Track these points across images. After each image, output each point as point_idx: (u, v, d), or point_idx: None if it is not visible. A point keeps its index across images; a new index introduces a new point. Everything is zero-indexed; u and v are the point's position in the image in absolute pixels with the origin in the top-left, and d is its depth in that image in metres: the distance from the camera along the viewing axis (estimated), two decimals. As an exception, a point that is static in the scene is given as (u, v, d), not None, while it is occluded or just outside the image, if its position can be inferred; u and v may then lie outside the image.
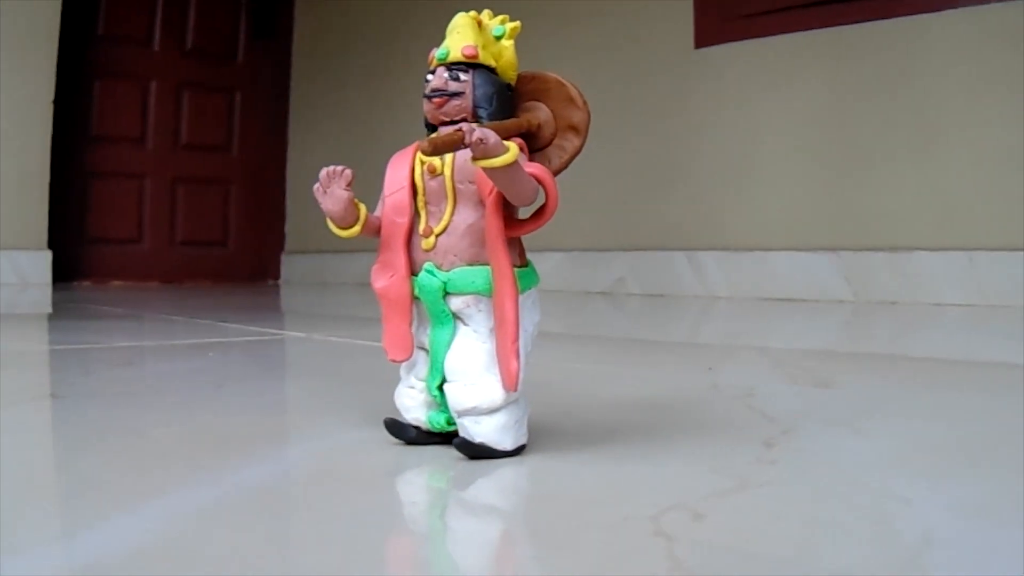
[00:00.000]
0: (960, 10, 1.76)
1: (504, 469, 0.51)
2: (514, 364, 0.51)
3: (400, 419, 0.56)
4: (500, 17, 0.58)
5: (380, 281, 0.55)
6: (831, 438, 0.60)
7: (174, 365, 0.92)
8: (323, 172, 0.53)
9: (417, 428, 0.56)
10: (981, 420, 0.67)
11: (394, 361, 0.55)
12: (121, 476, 0.49)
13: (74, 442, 0.57)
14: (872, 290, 1.88)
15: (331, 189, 0.53)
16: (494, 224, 0.51)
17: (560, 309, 1.83)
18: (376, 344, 1.12)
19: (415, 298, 0.55)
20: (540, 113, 0.57)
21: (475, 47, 0.55)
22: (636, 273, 2.20)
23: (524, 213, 0.54)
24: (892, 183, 1.87)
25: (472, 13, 0.58)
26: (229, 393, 0.77)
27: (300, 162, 3.19)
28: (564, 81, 0.57)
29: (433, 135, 0.54)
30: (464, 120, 0.55)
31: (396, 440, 0.57)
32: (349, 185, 0.53)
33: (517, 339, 0.52)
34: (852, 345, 1.26)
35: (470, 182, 0.53)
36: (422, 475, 0.52)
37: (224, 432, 0.61)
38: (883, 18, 1.85)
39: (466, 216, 0.54)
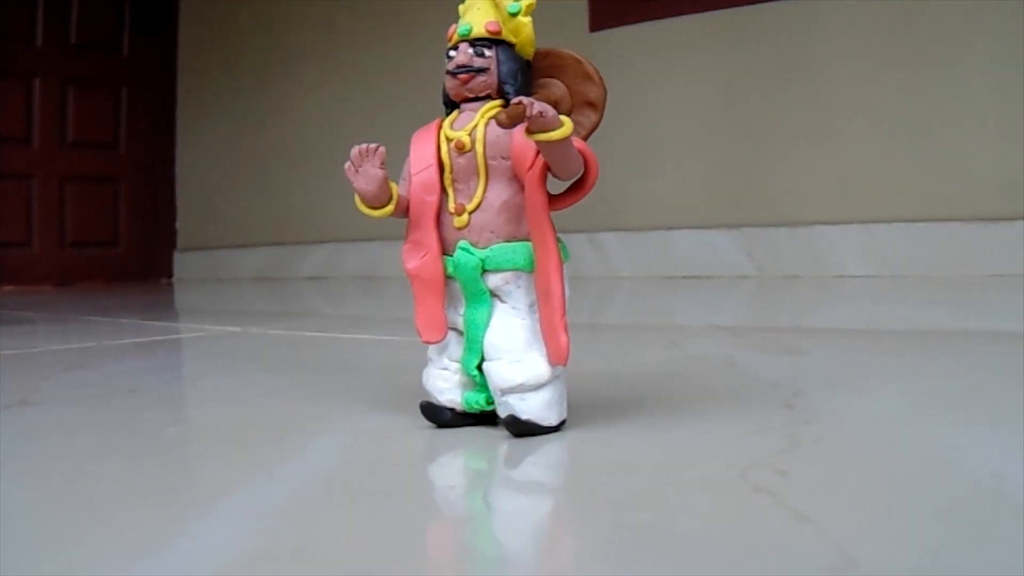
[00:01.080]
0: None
1: (550, 445, 0.52)
2: (564, 338, 0.52)
3: (434, 401, 0.56)
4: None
5: (412, 261, 0.54)
6: (841, 398, 0.62)
7: (128, 364, 0.89)
8: (354, 150, 0.53)
9: (452, 410, 0.56)
10: (959, 378, 0.71)
11: (428, 343, 0.55)
12: (175, 478, 0.48)
13: (93, 448, 0.55)
14: (775, 265, 1.95)
15: (363, 168, 0.52)
16: (539, 199, 0.52)
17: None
18: (322, 335, 1.12)
19: (448, 277, 0.55)
20: (556, 89, 0.58)
21: (498, 23, 0.55)
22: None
23: (554, 188, 0.55)
24: (791, 160, 1.94)
25: (495, -13, 0.58)
26: (213, 387, 0.76)
27: (189, 157, 3.10)
28: (580, 58, 0.58)
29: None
30: (488, 96, 0.55)
31: (428, 423, 0.56)
32: (383, 163, 0.53)
33: (565, 313, 0.52)
34: (783, 318, 1.30)
35: (503, 158, 0.53)
36: (473, 456, 0.52)
37: (243, 425, 0.60)
38: (774, 0, 1.92)
39: (500, 192, 0.54)
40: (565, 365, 0.53)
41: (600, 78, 0.57)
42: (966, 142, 1.73)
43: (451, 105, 0.57)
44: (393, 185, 0.54)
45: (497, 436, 0.54)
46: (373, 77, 2.55)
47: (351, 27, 2.60)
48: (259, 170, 2.84)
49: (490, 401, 0.54)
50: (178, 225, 3.16)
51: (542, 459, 0.50)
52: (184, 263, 3.13)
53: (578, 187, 0.53)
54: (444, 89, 0.57)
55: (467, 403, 0.55)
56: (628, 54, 2.11)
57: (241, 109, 2.91)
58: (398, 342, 1.01)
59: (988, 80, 1.72)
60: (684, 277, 2.04)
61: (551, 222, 0.52)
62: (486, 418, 0.56)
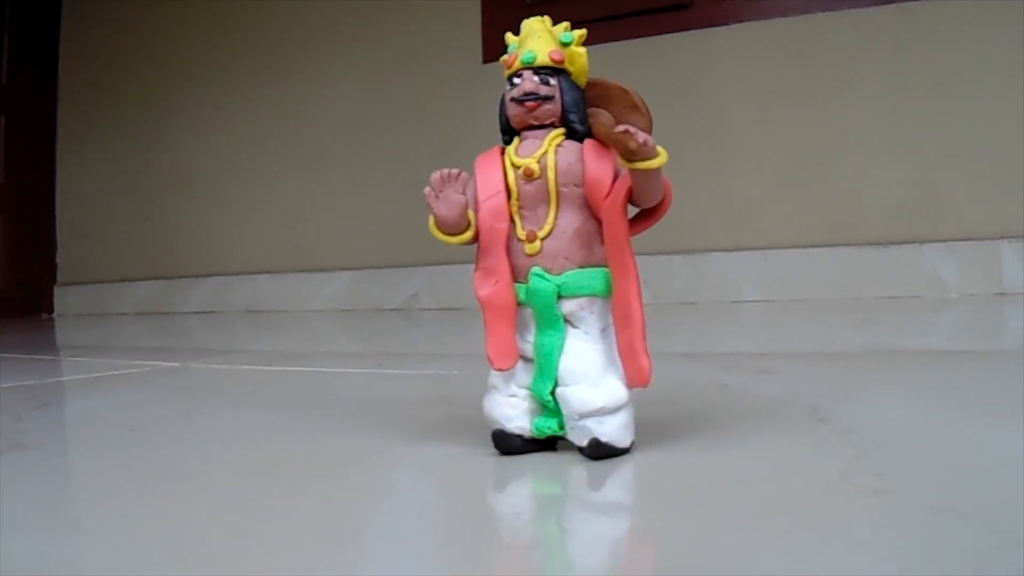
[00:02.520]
0: (745, 24, 1.93)
1: (624, 466, 0.53)
2: (646, 361, 0.54)
3: (503, 429, 0.56)
4: (564, 24, 0.60)
5: (484, 288, 0.55)
6: (855, 408, 0.66)
7: (93, 402, 0.86)
8: (436, 175, 0.53)
9: (520, 436, 0.56)
10: (943, 390, 0.76)
11: (500, 370, 0.56)
12: (289, 518, 0.47)
13: (161, 496, 0.54)
14: (672, 292, 2.01)
15: (445, 193, 0.53)
16: (621, 225, 0.54)
17: (374, 326, 1.82)
18: (273, 369, 1.10)
19: (518, 304, 0.56)
20: (602, 118, 0.59)
21: (562, 52, 0.57)
22: (430, 287, 2.23)
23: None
24: (686, 189, 2.00)
25: (545, 18, 0.59)
26: (218, 424, 0.74)
27: (70, 188, 2.97)
28: (627, 88, 0.59)
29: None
30: (552, 125, 0.57)
31: (490, 451, 0.57)
32: (464, 189, 0.54)
33: (645, 336, 0.54)
34: (715, 343, 1.35)
35: (575, 185, 0.55)
36: (548, 481, 0.52)
37: (290, 460, 0.59)
38: (675, 31, 1.99)
39: (571, 219, 0.55)
40: (646, 387, 0.54)
41: (647, 108, 0.59)
42: (857, 169, 1.83)
43: (509, 132, 0.58)
44: (470, 211, 0.55)
45: (565, 461, 0.55)
46: (259, 104, 2.51)
47: (235, 54, 2.56)
48: (143, 201, 2.75)
49: (561, 426, 0.55)
50: (58, 258, 3.02)
51: (623, 480, 0.52)
52: (65, 298, 3.00)
53: (652, 213, 0.55)
54: (503, 115, 0.58)
55: (537, 429, 0.56)
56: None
57: (124, 138, 2.82)
58: (367, 374, 1.01)
59: (877, 109, 1.83)
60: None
61: (631, 248, 0.54)
62: (547, 444, 0.57)
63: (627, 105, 0.59)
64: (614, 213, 0.53)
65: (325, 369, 1.09)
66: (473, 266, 0.57)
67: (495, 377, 0.57)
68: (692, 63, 1.99)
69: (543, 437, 0.56)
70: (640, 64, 2.04)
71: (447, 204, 0.53)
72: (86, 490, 0.54)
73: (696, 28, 1.97)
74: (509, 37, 0.60)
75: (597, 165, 0.55)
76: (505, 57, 0.59)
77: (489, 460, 0.56)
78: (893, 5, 1.78)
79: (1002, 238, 1.69)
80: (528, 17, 0.60)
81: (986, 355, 1.00)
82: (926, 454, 0.52)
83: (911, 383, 0.81)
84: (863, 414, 0.65)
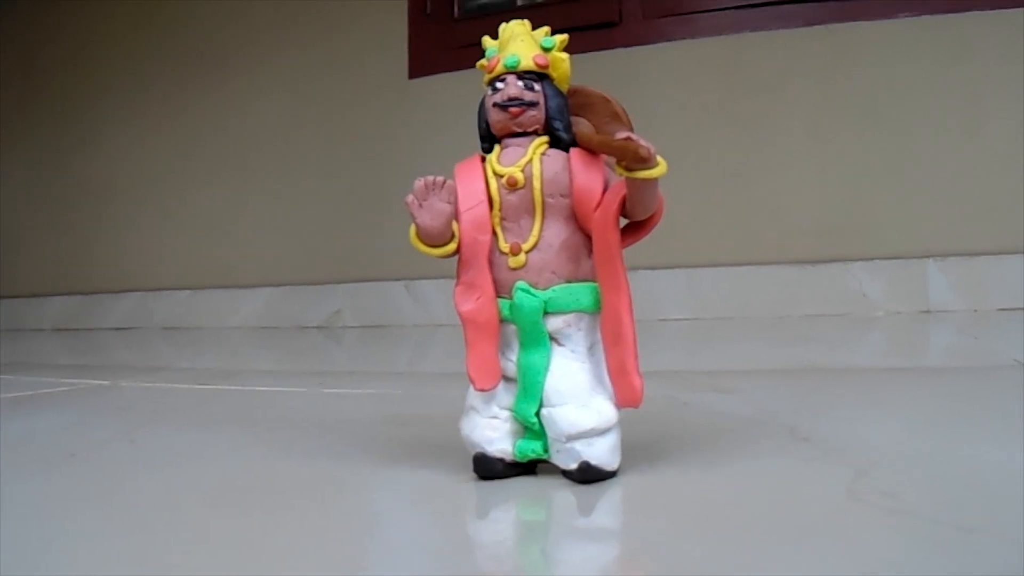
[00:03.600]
0: (674, 42, 1.93)
1: (612, 490, 0.51)
2: (637, 380, 0.51)
3: (484, 452, 0.53)
4: (544, 28, 0.57)
5: (466, 304, 0.52)
6: (832, 425, 0.65)
7: (23, 423, 0.81)
8: (419, 183, 0.50)
9: (501, 460, 0.53)
10: (911, 405, 0.75)
11: (482, 390, 0.52)
12: (256, 549, 0.44)
13: (95, 525, 0.49)
14: (597, 310, 1.99)
15: (429, 202, 0.50)
16: (613, 237, 0.51)
17: (300, 343, 1.77)
18: (209, 387, 1.05)
19: (502, 320, 0.53)
20: (583, 127, 0.57)
21: (546, 56, 0.54)
22: (353, 305, 2.18)
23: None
24: (611, 206, 2.00)
25: (525, 22, 0.57)
26: (169, 446, 0.69)
27: None
28: (609, 97, 0.57)
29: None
30: (536, 132, 0.54)
31: (469, 476, 0.54)
32: (451, 198, 0.50)
33: (636, 355, 0.51)
34: (654, 361, 1.33)
35: (562, 196, 0.52)
36: (537, 507, 0.49)
37: (257, 486, 0.55)
38: (601, 49, 1.98)
39: (557, 231, 0.52)
40: (637, 408, 0.52)
41: (627, 118, 0.57)
42: (784, 188, 1.84)
43: (489, 140, 0.55)
44: (455, 223, 0.51)
45: (549, 485, 0.52)
46: (180, 118, 2.44)
47: (158, 67, 2.48)
48: (60, 214, 2.64)
49: (546, 449, 0.53)
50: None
51: (614, 504, 0.49)
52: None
53: (642, 225, 0.53)
54: (483, 121, 0.55)
55: (520, 452, 0.53)
56: (445, 101, 2.12)
57: (41, 149, 2.70)
58: (308, 393, 0.97)
59: (805, 129, 1.84)
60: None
61: (623, 262, 0.51)
62: (528, 468, 0.54)
63: (608, 114, 0.57)
64: (606, 225, 0.51)
65: (263, 388, 1.05)
66: (454, 281, 0.54)
67: (474, 398, 0.54)
68: (620, 81, 1.98)
69: (525, 461, 0.53)
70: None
71: (431, 214, 0.50)
72: (29, 524, 0.49)
73: (625, 46, 1.97)
74: (487, 41, 0.57)
75: (585, 175, 0.52)
76: (484, 61, 0.56)
77: (468, 485, 0.53)
78: (821, 26, 1.80)
79: (928, 256, 1.71)
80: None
81: (936, 371, 1.00)
82: (925, 471, 0.51)
83: (874, 400, 0.80)
84: (844, 432, 0.63)
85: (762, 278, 1.84)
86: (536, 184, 0.52)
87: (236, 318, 2.28)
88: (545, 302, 0.51)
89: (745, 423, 0.69)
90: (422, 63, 2.11)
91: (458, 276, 0.52)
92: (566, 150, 0.54)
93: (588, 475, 0.51)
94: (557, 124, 0.54)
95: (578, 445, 0.51)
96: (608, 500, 0.49)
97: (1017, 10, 1.67)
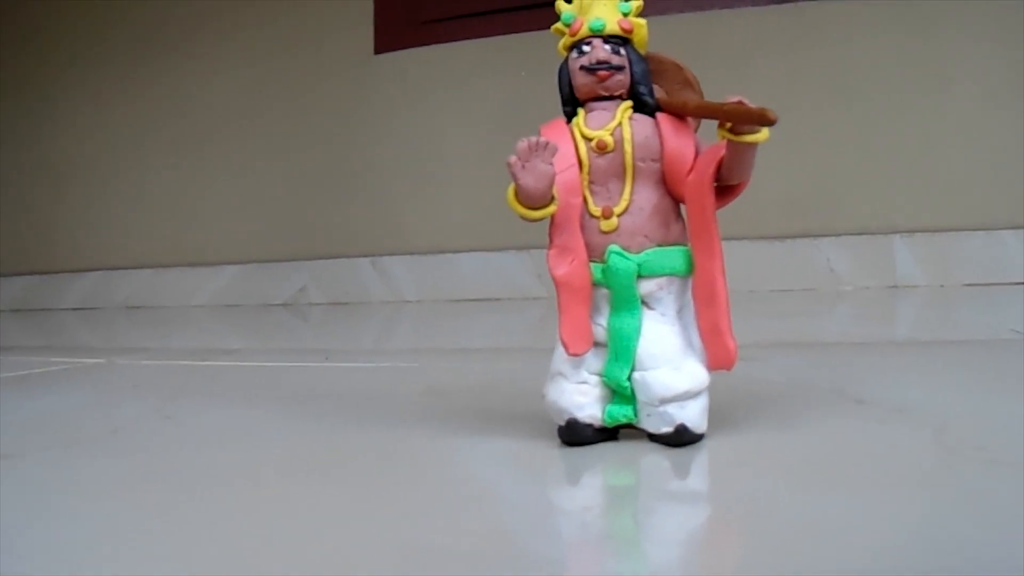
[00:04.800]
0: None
1: (702, 453, 0.51)
2: (732, 343, 0.51)
3: (576, 418, 0.53)
4: (618, -9, 0.57)
5: (560, 268, 0.52)
6: (880, 389, 0.66)
7: (43, 402, 0.79)
8: (522, 143, 0.49)
9: (591, 426, 0.53)
10: (939, 375, 0.76)
11: (575, 355, 0.52)
12: (361, 520, 0.43)
13: (180, 500, 0.49)
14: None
15: (532, 163, 0.49)
16: (708, 201, 0.51)
17: (274, 320, 1.74)
18: (215, 364, 1.03)
19: (593, 284, 0.52)
20: (657, 94, 0.57)
21: (630, 21, 0.54)
22: (319, 282, 2.16)
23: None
24: (579, 183, 2.00)
25: (604, -15, 0.56)
26: (206, 422, 0.68)
27: None
28: (681, 64, 0.57)
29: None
30: (621, 97, 0.54)
31: (549, 442, 0.54)
32: (551, 159, 0.50)
33: (730, 317, 0.52)
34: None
35: (652, 160, 0.52)
36: (633, 472, 0.50)
37: (339, 458, 0.55)
38: (566, 24, 1.98)
39: (648, 195, 0.52)
40: (730, 370, 0.52)
41: (699, 85, 0.57)
42: (750, 165, 1.86)
43: (573, 103, 0.55)
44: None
45: (638, 449, 0.52)
46: (141, 95, 2.38)
47: (117, 43, 2.41)
48: (16, 193, 2.56)
49: (635, 413, 0.52)
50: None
51: (713, 466, 0.49)
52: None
53: (732, 190, 0.53)
54: (565, 85, 0.54)
55: (610, 416, 0.53)
56: (413, 76, 2.10)
57: None
58: (323, 368, 0.95)
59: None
60: (472, 300, 2.05)
61: (717, 225, 0.51)
62: (610, 433, 0.54)
63: (680, 80, 0.57)
64: (701, 190, 0.51)
65: (268, 364, 1.03)
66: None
67: (562, 363, 0.53)
68: (588, 57, 1.98)
69: (614, 425, 0.53)
70: (535, 58, 2.02)
71: (535, 175, 0.49)
72: (110, 503, 0.47)
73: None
74: (561, 5, 0.56)
75: (677, 140, 0.52)
76: (560, 25, 0.56)
77: (554, 451, 0.53)
78: (788, 4, 1.82)
79: (895, 232, 1.74)
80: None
81: (934, 344, 1.02)
82: (997, 429, 0.52)
83: (896, 367, 0.81)
84: (894, 395, 0.64)
85: (731, 253, 1.84)
86: (627, 148, 0.52)
87: (201, 296, 2.24)
88: (639, 265, 0.51)
89: (790, 388, 0.69)
90: (388, 38, 2.09)
91: (551, 240, 0.52)
92: (650, 114, 0.53)
93: (683, 438, 0.51)
94: (642, 89, 0.53)
95: (671, 408, 0.51)
96: (700, 462, 0.50)
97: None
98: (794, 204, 1.82)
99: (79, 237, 2.45)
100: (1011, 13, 1.70)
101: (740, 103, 0.47)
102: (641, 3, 0.56)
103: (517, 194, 0.50)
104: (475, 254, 2.06)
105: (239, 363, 1.03)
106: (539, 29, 1.99)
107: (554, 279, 0.51)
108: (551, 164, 0.49)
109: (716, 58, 1.87)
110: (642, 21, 0.55)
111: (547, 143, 0.49)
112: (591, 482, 0.49)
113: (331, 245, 2.15)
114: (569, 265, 0.51)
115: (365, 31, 2.12)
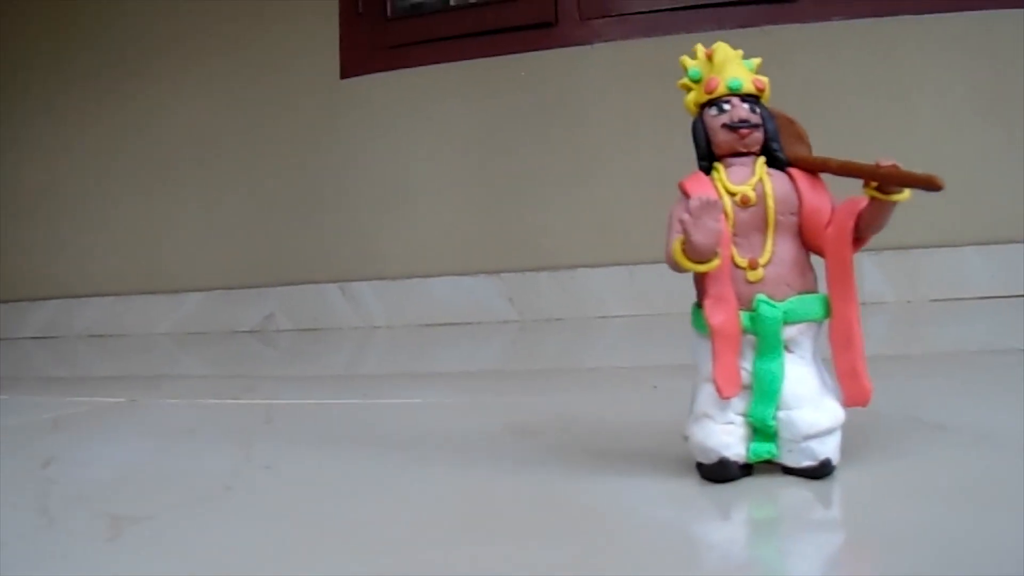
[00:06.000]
0: (611, 43, 1.98)
1: (835, 484, 0.56)
2: (868, 383, 0.56)
3: (721, 458, 0.57)
4: (739, 51, 0.61)
5: (717, 316, 0.55)
6: (944, 411, 0.70)
7: (96, 454, 0.79)
8: (696, 202, 0.53)
9: (736, 464, 0.57)
10: (985, 389, 0.81)
11: (727, 398, 0.56)
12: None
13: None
14: (536, 309, 2.03)
15: (702, 220, 0.53)
16: (848, 253, 0.55)
17: (252, 349, 1.75)
18: (251, 402, 1.04)
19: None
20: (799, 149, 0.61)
21: (763, 80, 0.58)
22: (287, 308, 2.16)
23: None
24: (551, 205, 2.04)
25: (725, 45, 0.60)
26: (310, 471, 0.69)
27: None
28: (792, 119, 0.61)
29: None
30: (756, 154, 0.58)
31: (696, 480, 0.58)
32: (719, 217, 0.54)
33: (865, 358, 0.56)
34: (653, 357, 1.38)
35: (791, 214, 0.57)
36: (771, 505, 0.54)
37: (494, 509, 0.58)
38: (536, 49, 2.02)
39: (788, 247, 0.57)
40: (865, 407, 0.56)
41: (808, 138, 0.61)
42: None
43: (709, 158, 0.59)
44: None
45: (775, 483, 0.57)
46: (105, 120, 2.35)
47: (81, 68, 2.37)
48: None
49: (778, 449, 0.57)
50: None
51: (852, 497, 0.54)
52: None
53: (862, 240, 0.57)
54: (703, 139, 0.58)
55: (755, 454, 0.57)
56: (379, 101, 2.12)
57: None
58: (363, 405, 0.97)
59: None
60: (442, 325, 2.07)
61: (854, 274, 0.56)
62: (748, 469, 0.58)
63: (793, 135, 0.61)
64: (841, 242, 0.55)
65: (313, 401, 1.04)
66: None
67: (708, 405, 0.57)
68: (558, 81, 2.03)
69: (757, 462, 0.57)
70: (505, 82, 2.06)
71: (705, 232, 0.53)
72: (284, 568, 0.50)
73: (562, 46, 2.01)
74: (687, 61, 0.60)
75: (814, 195, 0.56)
76: (688, 80, 0.60)
77: (695, 488, 0.57)
78: (756, 28, 1.88)
79: (871, 250, 1.81)
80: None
81: (936, 356, 1.07)
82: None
83: (934, 385, 0.86)
84: (967, 417, 0.69)
85: (701, 273, 1.91)
86: (770, 203, 0.56)
87: (165, 324, 2.23)
88: (784, 313, 0.55)
89: (865, 415, 0.74)
90: (354, 63, 2.11)
91: (706, 289, 0.55)
92: (781, 169, 0.57)
93: (825, 471, 0.56)
94: (775, 145, 0.58)
95: (813, 443, 0.56)
96: (836, 493, 0.54)
97: (942, 15, 1.80)
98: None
99: (39, 264, 2.41)
100: (971, 33, 1.80)
101: (895, 167, 0.51)
102: (760, 61, 0.60)
103: (685, 249, 0.53)
104: (445, 278, 2.09)
105: (273, 401, 1.05)
106: (506, 54, 2.04)
107: (711, 327, 0.55)
108: (719, 221, 0.53)
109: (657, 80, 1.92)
110: (765, 79, 0.59)
111: (716, 202, 0.53)
112: (742, 517, 0.53)
113: (299, 271, 2.16)
114: (724, 314, 0.55)
115: (331, 55, 2.14)
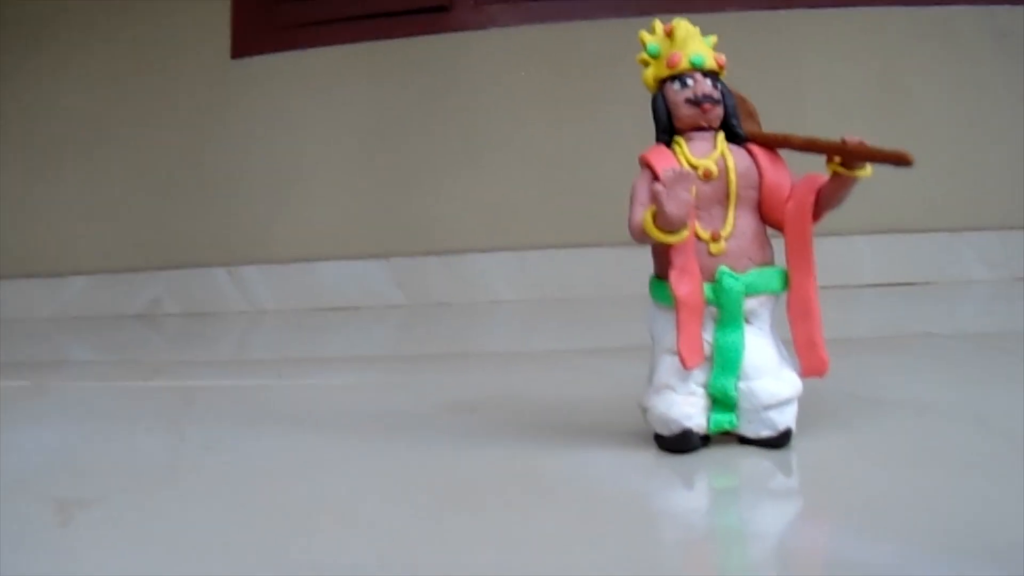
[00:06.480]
0: (504, 29, 1.97)
1: (792, 453, 0.57)
2: (825, 354, 0.56)
3: (682, 429, 0.57)
4: (697, 28, 0.61)
5: (683, 288, 0.55)
6: (894, 389, 0.73)
7: (30, 433, 0.74)
8: (670, 173, 0.53)
9: (697, 434, 0.57)
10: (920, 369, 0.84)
11: (691, 368, 0.56)
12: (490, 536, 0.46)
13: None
14: (425, 293, 2.01)
15: (675, 191, 0.53)
16: (808, 226, 0.56)
17: (145, 333, 1.68)
18: (166, 384, 0.99)
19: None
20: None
21: (723, 57, 0.58)
22: (174, 292, 2.08)
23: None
24: (441, 190, 2.01)
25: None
26: (257, 449, 0.66)
27: None
28: (744, 96, 0.61)
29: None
30: (715, 129, 0.58)
31: (652, 451, 0.58)
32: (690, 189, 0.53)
33: (822, 330, 0.57)
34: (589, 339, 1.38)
35: (751, 188, 0.57)
36: (732, 474, 0.55)
37: (437, 480, 0.56)
38: (430, 33, 1.99)
39: (748, 221, 0.57)
40: (822, 377, 0.57)
41: (758, 117, 0.62)
42: (608, 172, 1.91)
43: (668, 133, 0.58)
44: None
45: (735, 453, 0.57)
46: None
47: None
48: None
49: (737, 419, 0.57)
50: None
51: (816, 466, 0.55)
52: None
53: (818, 215, 0.57)
54: (664, 113, 0.58)
55: (715, 424, 0.57)
56: (271, 82, 2.06)
57: None
58: (274, 386, 0.94)
59: (630, 115, 1.91)
60: (330, 309, 2.03)
61: (812, 248, 0.56)
62: (705, 440, 0.58)
63: (744, 112, 0.61)
64: (802, 217, 0.56)
65: (221, 383, 1.00)
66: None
67: (669, 376, 0.57)
68: (451, 65, 2.01)
69: (717, 432, 0.57)
70: (398, 65, 2.03)
71: (677, 203, 0.52)
72: (253, 551, 0.47)
73: (455, 31, 1.99)
74: (646, 36, 0.60)
75: (774, 170, 0.57)
76: (646, 55, 0.59)
77: (655, 459, 0.57)
78: (648, 17, 1.88)
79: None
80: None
81: (863, 341, 1.10)
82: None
83: (871, 365, 0.88)
84: (899, 394, 0.71)
85: (591, 259, 1.92)
86: (732, 176, 0.56)
87: (48, 309, 2.12)
88: (746, 285, 0.56)
89: (805, 390, 0.75)
90: (246, 43, 2.05)
91: (671, 261, 0.55)
92: (740, 145, 0.58)
93: (783, 440, 0.57)
94: (734, 121, 0.58)
95: (772, 413, 0.56)
96: (795, 462, 0.55)
97: (835, 9, 1.85)
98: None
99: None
100: (864, 28, 1.85)
101: (862, 143, 0.51)
102: (715, 39, 0.60)
103: (656, 219, 0.53)
104: (334, 262, 2.05)
105: (187, 383, 1.01)
106: (400, 37, 2.01)
107: (677, 298, 0.55)
108: (690, 193, 0.53)
109: (577, 69, 1.94)
110: (722, 57, 0.59)
111: (690, 173, 0.53)
112: (708, 486, 0.54)
113: (186, 254, 2.09)
114: (689, 285, 0.55)
115: (222, 34, 2.07)
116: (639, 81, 1.81)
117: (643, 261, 0.61)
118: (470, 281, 1.99)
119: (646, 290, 0.59)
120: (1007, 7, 1.82)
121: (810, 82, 1.88)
